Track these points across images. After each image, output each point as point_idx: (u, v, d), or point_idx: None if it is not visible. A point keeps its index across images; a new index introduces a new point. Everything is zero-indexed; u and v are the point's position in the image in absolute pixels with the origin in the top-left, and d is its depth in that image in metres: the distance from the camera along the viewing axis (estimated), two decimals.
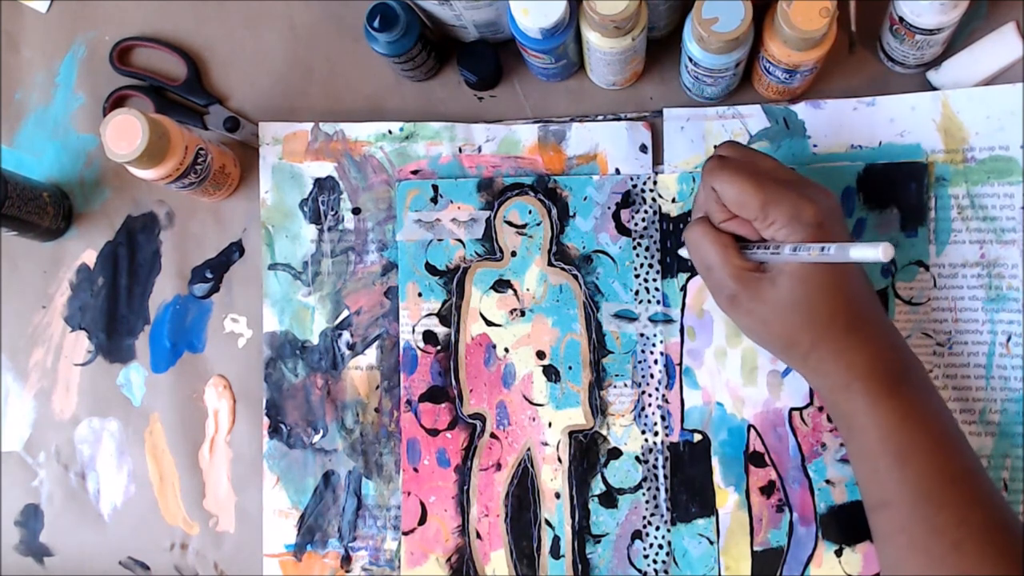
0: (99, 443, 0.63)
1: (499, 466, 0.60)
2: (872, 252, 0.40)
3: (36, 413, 0.64)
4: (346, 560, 0.61)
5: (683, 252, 0.59)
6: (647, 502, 0.59)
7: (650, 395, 0.59)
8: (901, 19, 0.55)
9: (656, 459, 0.59)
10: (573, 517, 0.59)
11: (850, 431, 0.49)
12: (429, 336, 0.61)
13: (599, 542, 0.59)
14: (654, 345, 0.59)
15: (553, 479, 0.60)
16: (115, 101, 0.65)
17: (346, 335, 0.62)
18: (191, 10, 0.66)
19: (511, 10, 0.54)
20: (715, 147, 0.51)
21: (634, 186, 0.60)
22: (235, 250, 0.64)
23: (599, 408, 0.59)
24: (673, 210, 0.60)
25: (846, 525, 0.57)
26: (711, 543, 0.58)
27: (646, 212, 0.60)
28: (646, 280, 0.60)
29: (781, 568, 0.58)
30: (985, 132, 0.58)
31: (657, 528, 0.58)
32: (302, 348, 0.62)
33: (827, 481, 0.58)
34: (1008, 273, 0.58)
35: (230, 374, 0.63)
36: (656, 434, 0.59)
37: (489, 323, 0.61)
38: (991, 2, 0.60)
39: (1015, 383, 0.57)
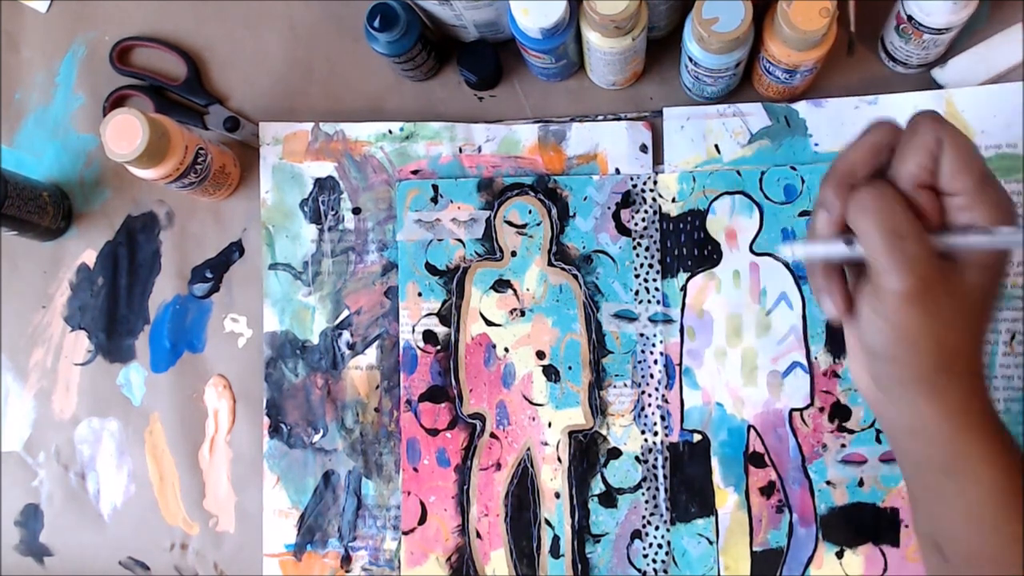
0: (99, 443, 0.63)
1: (499, 466, 0.60)
2: None
3: (36, 413, 0.64)
4: (346, 560, 0.61)
5: (792, 250, 0.44)
6: (647, 502, 0.59)
7: (650, 395, 0.59)
8: (910, 18, 0.54)
9: (656, 459, 0.59)
10: (573, 517, 0.59)
11: (950, 475, 0.41)
12: (429, 336, 0.61)
13: (599, 542, 0.59)
14: (654, 345, 0.59)
15: (553, 479, 0.59)
16: (115, 101, 0.65)
17: (346, 335, 0.62)
18: (191, 10, 0.66)
19: (511, 10, 0.54)
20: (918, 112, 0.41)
21: (634, 186, 0.60)
22: (235, 250, 0.64)
23: (599, 408, 0.59)
24: (673, 210, 0.60)
25: (847, 527, 0.57)
26: (711, 543, 0.58)
27: (646, 212, 0.60)
28: (646, 280, 0.60)
29: (781, 569, 0.57)
30: (991, 130, 0.58)
31: (656, 528, 0.58)
32: (302, 348, 0.62)
33: (828, 482, 0.58)
34: (1012, 271, 0.57)
35: (230, 374, 0.63)
36: (656, 434, 0.59)
37: (489, 323, 0.61)
38: (994, 3, 0.60)
39: (1018, 382, 0.57)
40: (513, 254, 0.61)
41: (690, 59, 0.56)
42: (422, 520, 0.60)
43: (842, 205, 0.41)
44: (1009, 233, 0.38)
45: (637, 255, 0.60)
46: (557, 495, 0.59)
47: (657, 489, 0.59)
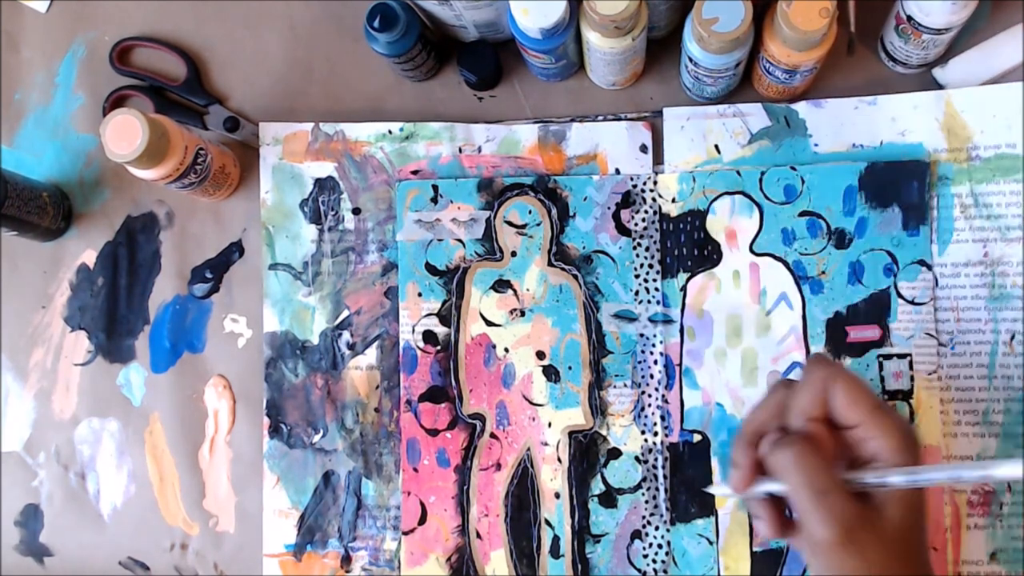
0: (99, 443, 0.63)
1: (499, 466, 0.60)
2: (1014, 469, 0.36)
3: (36, 413, 0.64)
4: (346, 560, 0.61)
5: (719, 491, 0.54)
6: (647, 502, 0.59)
7: (650, 395, 0.59)
8: (909, 18, 0.54)
9: (656, 459, 0.59)
10: (573, 517, 0.59)
11: None
12: (429, 336, 0.61)
13: (599, 542, 0.59)
14: (654, 345, 0.59)
15: (553, 479, 0.59)
16: (115, 101, 0.65)
17: (346, 335, 0.62)
18: (191, 10, 0.66)
19: (511, 10, 0.54)
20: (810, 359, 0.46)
21: (634, 186, 0.60)
22: (235, 250, 0.64)
23: (599, 408, 0.59)
24: (673, 210, 0.60)
25: None
26: (710, 543, 0.58)
27: (646, 212, 0.60)
28: (646, 280, 0.60)
29: (781, 569, 0.57)
30: (991, 130, 0.58)
31: (656, 528, 0.58)
32: (302, 348, 0.62)
33: None
34: (1012, 271, 0.57)
35: (230, 374, 0.63)
36: (656, 434, 0.59)
37: (489, 323, 0.61)
38: (994, 3, 0.60)
39: (1018, 382, 0.57)
40: (513, 254, 0.61)
41: (690, 59, 0.56)
42: (422, 520, 0.60)
43: (750, 464, 0.45)
44: (924, 471, 0.40)
45: (637, 255, 0.60)
46: (557, 495, 0.59)
47: (657, 489, 0.59)
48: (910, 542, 0.42)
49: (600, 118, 0.62)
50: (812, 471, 0.41)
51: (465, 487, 0.60)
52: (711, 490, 0.57)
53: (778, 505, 0.45)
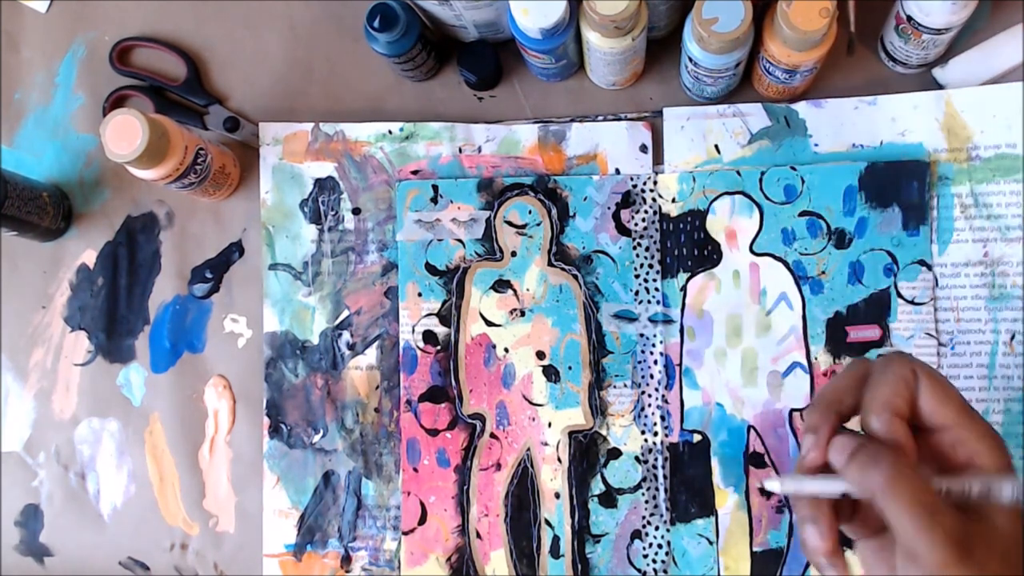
0: (99, 443, 0.63)
1: (499, 466, 0.60)
2: None
3: (36, 413, 0.64)
4: (346, 560, 0.61)
5: (783, 484, 0.42)
6: (647, 502, 0.59)
7: (650, 395, 0.59)
8: (909, 18, 0.54)
9: (656, 459, 0.59)
10: (573, 517, 0.59)
11: None
12: (429, 336, 0.61)
13: (599, 542, 0.59)
14: (654, 345, 0.59)
15: (553, 479, 0.59)
16: (115, 101, 0.65)
17: (346, 335, 0.62)
18: (191, 10, 0.66)
19: (511, 10, 0.54)
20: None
21: (634, 186, 0.60)
22: (235, 250, 0.64)
23: (599, 408, 0.59)
24: (673, 210, 0.60)
25: None
26: (710, 543, 0.58)
27: (646, 212, 0.60)
28: (646, 280, 0.60)
29: (781, 569, 0.57)
30: (991, 130, 0.58)
31: (656, 528, 0.58)
32: (302, 348, 0.62)
33: None
34: (1012, 271, 0.57)
35: (230, 374, 0.63)
36: (656, 434, 0.59)
37: (489, 323, 0.61)
38: (994, 3, 0.60)
39: (1018, 382, 0.57)
40: (513, 254, 0.61)
41: (690, 59, 0.56)
42: (422, 520, 0.60)
43: (829, 429, 0.41)
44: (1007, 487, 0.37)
45: (637, 255, 0.60)
46: (557, 495, 0.59)
47: (657, 489, 0.59)
48: (1022, 550, 0.38)
49: (600, 118, 0.62)
50: (915, 489, 0.37)
51: (465, 487, 0.60)
52: (769, 483, 0.44)
53: (836, 512, 0.41)
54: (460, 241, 0.61)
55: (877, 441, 0.39)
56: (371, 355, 0.62)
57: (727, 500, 0.58)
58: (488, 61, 0.61)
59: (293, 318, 0.62)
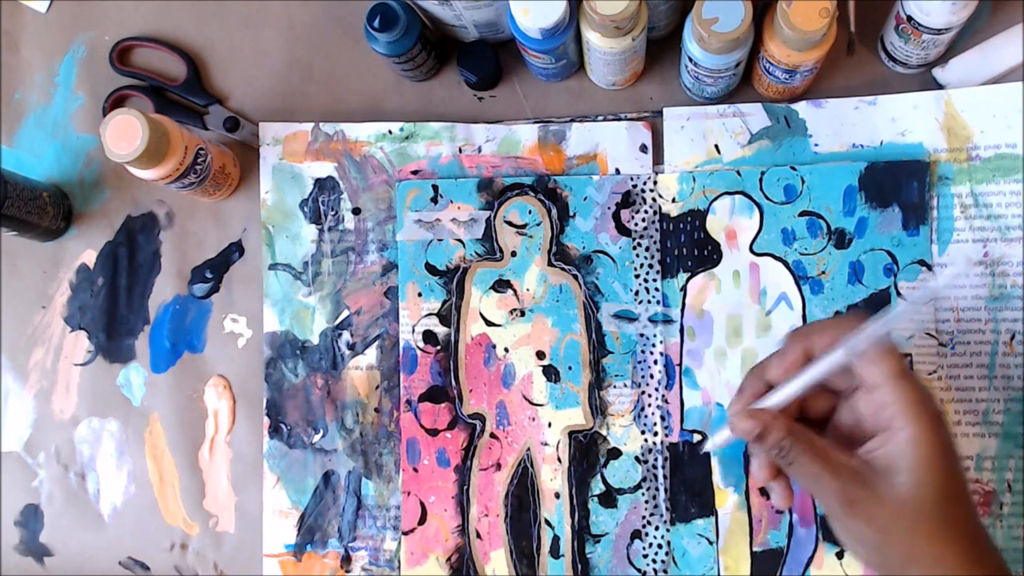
0: (99, 443, 0.63)
1: (499, 466, 0.60)
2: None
3: (36, 413, 0.64)
4: (346, 560, 0.61)
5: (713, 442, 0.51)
6: (646, 502, 0.59)
7: (650, 395, 0.59)
8: (909, 18, 0.54)
9: (656, 459, 0.59)
10: (573, 517, 0.59)
11: None
12: (429, 336, 0.61)
13: (598, 542, 0.59)
14: (654, 345, 0.59)
15: (553, 479, 0.59)
16: (115, 101, 0.65)
17: (346, 335, 0.62)
18: (191, 10, 0.66)
19: (511, 10, 0.54)
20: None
21: (634, 186, 0.60)
22: (235, 250, 0.64)
23: (599, 408, 0.59)
24: (673, 210, 0.60)
25: None
26: (710, 543, 0.58)
27: (646, 212, 0.60)
28: (646, 280, 0.60)
29: (781, 569, 0.57)
30: (991, 130, 0.58)
31: (656, 528, 0.58)
32: (302, 348, 0.62)
33: None
34: (1012, 271, 0.57)
35: (230, 374, 0.63)
36: (656, 434, 0.59)
37: (489, 323, 0.61)
38: (994, 3, 0.60)
39: (1018, 382, 0.57)
40: (513, 254, 0.61)
41: (690, 59, 0.56)
42: (422, 520, 0.60)
43: (752, 394, 0.48)
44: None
45: (637, 255, 0.60)
46: (557, 495, 0.59)
47: (657, 489, 0.59)
48: (935, 510, 0.42)
49: (600, 118, 0.62)
50: (802, 462, 0.45)
51: (465, 487, 0.60)
52: (708, 447, 0.53)
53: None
54: (460, 241, 0.61)
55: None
56: (371, 355, 0.62)
57: (727, 500, 0.58)
58: (488, 61, 0.61)
59: (293, 318, 0.62)
